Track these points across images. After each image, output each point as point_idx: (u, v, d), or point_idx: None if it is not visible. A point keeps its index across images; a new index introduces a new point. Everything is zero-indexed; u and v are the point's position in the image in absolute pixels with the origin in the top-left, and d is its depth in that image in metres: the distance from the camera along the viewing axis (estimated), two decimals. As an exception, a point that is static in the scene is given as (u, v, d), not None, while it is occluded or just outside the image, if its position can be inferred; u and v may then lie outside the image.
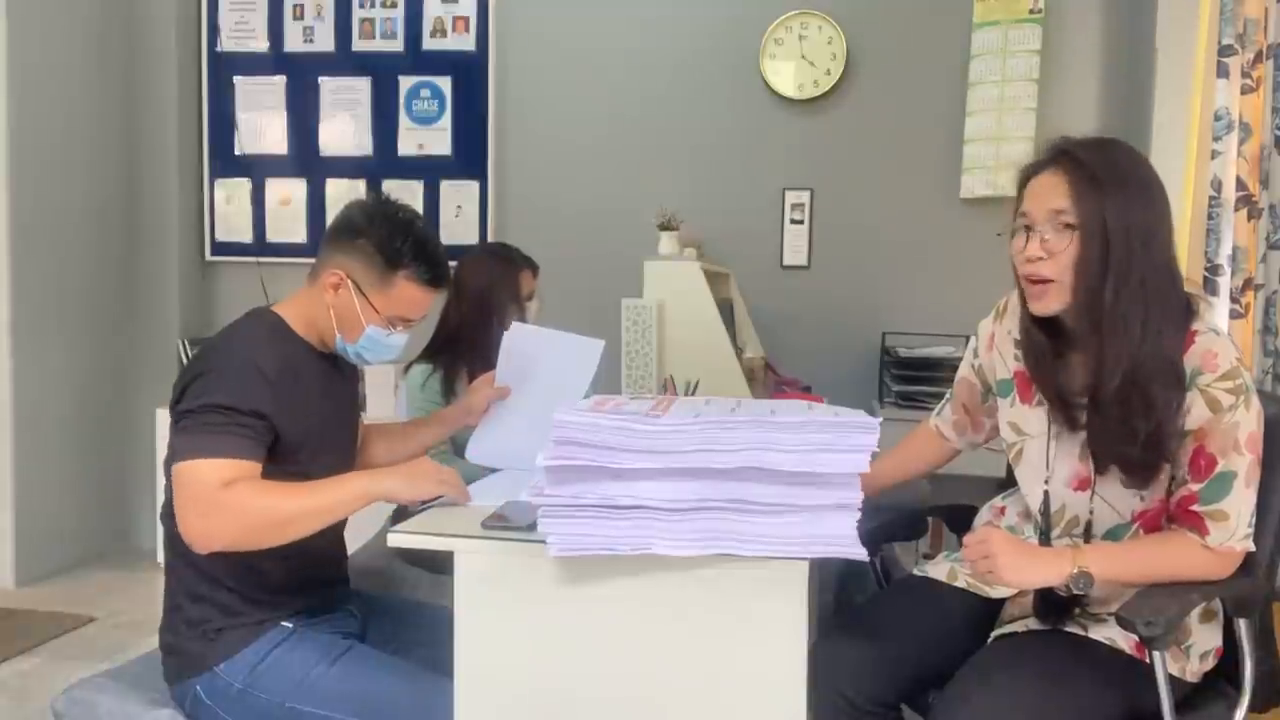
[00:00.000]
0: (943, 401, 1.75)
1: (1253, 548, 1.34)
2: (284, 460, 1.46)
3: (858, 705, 1.44)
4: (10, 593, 3.37)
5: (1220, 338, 1.34)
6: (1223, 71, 2.70)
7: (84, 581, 3.51)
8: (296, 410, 1.48)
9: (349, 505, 1.43)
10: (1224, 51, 2.70)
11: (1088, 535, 1.43)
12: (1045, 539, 1.47)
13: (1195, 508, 1.33)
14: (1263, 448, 1.34)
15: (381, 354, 1.59)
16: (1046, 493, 1.46)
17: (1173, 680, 1.34)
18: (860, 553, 1.18)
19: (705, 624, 1.24)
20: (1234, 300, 2.67)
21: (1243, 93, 2.68)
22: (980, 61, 3.33)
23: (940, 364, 3.21)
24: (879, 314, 3.53)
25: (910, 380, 3.21)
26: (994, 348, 1.59)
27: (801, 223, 3.61)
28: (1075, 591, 1.31)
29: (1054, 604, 1.40)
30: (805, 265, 3.63)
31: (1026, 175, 1.40)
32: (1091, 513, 1.42)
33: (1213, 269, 2.72)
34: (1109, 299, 1.30)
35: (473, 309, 2.32)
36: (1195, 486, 1.33)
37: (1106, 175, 1.32)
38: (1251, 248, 2.64)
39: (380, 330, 1.55)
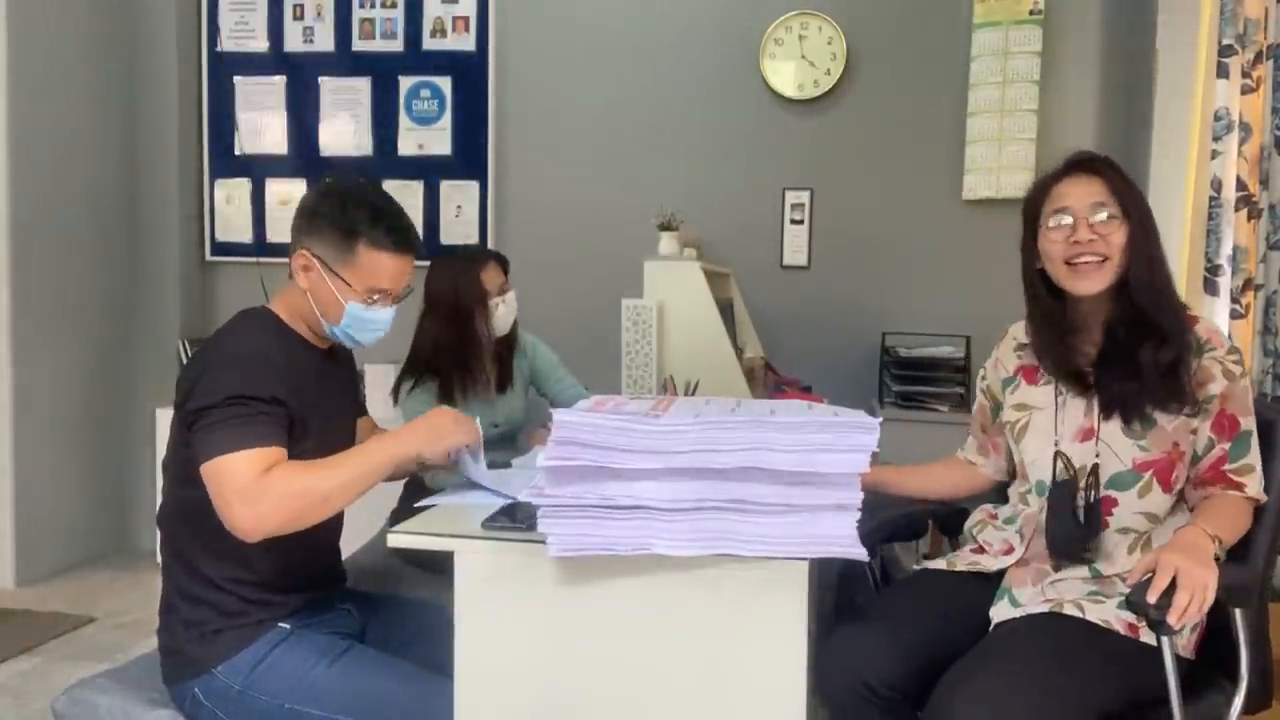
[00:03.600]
0: (969, 438, 1.85)
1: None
2: (292, 448, 1.46)
3: (878, 692, 1.44)
4: (10, 593, 3.37)
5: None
6: (1223, 71, 2.69)
7: (84, 581, 3.51)
8: (300, 399, 1.49)
9: (381, 470, 1.45)
10: (1224, 52, 2.70)
11: (1095, 479, 1.52)
12: (1068, 489, 1.53)
13: (1227, 467, 1.49)
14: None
15: (369, 330, 1.57)
16: (1059, 452, 1.57)
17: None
18: (860, 553, 1.19)
19: (705, 624, 1.24)
20: (1234, 300, 2.66)
21: (1243, 93, 2.68)
22: (981, 63, 3.33)
23: (940, 364, 3.21)
24: (879, 314, 3.52)
25: (910, 380, 3.21)
26: (998, 364, 1.76)
27: (801, 223, 3.61)
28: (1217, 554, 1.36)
29: (1067, 537, 1.51)
30: (805, 265, 3.62)
31: (1049, 182, 1.59)
32: (1098, 456, 1.53)
33: (1213, 269, 2.72)
34: (1159, 279, 1.51)
35: (445, 319, 2.27)
36: (1225, 445, 1.50)
37: (1131, 182, 1.55)
38: (1251, 248, 2.64)
39: (360, 306, 1.54)
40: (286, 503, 1.35)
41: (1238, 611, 1.39)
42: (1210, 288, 2.72)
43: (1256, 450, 1.50)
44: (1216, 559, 1.35)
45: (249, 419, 1.38)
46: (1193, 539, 1.36)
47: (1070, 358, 1.59)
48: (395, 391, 2.31)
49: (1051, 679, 1.33)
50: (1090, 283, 1.52)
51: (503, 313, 2.30)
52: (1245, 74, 2.67)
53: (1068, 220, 1.53)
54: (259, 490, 1.34)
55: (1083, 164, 1.58)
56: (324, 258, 1.52)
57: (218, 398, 1.38)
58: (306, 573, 1.56)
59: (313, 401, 1.52)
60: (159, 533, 1.55)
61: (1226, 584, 1.37)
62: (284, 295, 1.59)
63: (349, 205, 1.52)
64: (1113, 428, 1.53)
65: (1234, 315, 2.66)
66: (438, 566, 1.55)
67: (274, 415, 1.41)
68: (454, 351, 2.26)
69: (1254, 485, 1.49)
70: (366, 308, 1.54)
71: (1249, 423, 1.50)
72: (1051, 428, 1.59)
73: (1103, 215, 1.51)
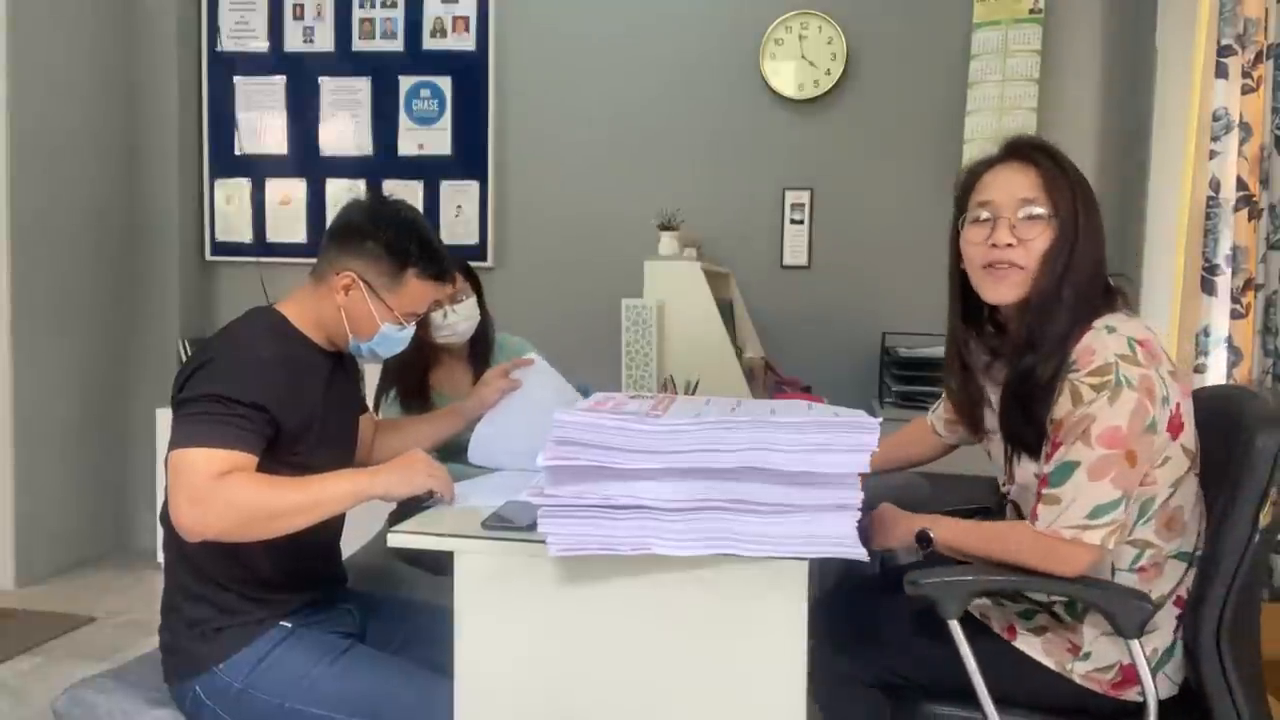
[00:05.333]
0: (940, 398, 1.79)
1: (1093, 542, 1.29)
2: (285, 452, 1.46)
3: (869, 691, 1.46)
4: (10, 593, 3.37)
5: (1109, 335, 1.32)
6: (1222, 71, 2.69)
7: (84, 581, 3.51)
8: (299, 404, 1.49)
9: (342, 502, 1.44)
10: (1224, 51, 2.70)
11: (1019, 516, 1.48)
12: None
13: (1043, 491, 1.34)
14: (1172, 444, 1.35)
15: (393, 348, 1.64)
16: (1003, 490, 1.54)
17: (1053, 675, 1.39)
18: (860, 553, 1.19)
19: (705, 624, 1.24)
20: (1234, 300, 2.66)
21: (1242, 93, 2.67)
22: (980, 61, 3.33)
23: (940, 364, 3.20)
24: (879, 314, 3.52)
25: (910, 380, 3.20)
26: None
27: (801, 223, 3.61)
28: (922, 549, 1.43)
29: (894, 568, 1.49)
30: (805, 265, 3.62)
31: (980, 169, 1.47)
32: (1008, 491, 1.50)
33: (1212, 269, 2.71)
34: (1066, 289, 1.35)
35: None
36: (1047, 469, 1.34)
37: (1071, 171, 1.40)
38: (1251, 248, 2.64)
39: (393, 326, 1.59)
40: (232, 511, 1.34)
41: (1133, 643, 1.31)
42: (1209, 288, 2.72)
43: (1082, 486, 1.29)
44: (926, 545, 1.41)
45: (222, 419, 1.37)
46: (902, 516, 1.47)
47: (967, 387, 1.52)
48: (376, 405, 2.30)
49: (879, 628, 1.47)
50: (1001, 290, 1.40)
51: (452, 321, 2.22)
52: (1245, 74, 2.67)
53: (986, 216, 1.41)
54: (208, 491, 1.33)
55: (1018, 151, 1.44)
56: (369, 281, 1.56)
57: (199, 393, 1.39)
58: (308, 572, 1.57)
59: (314, 405, 1.53)
60: (161, 531, 1.55)
61: (1105, 608, 1.32)
62: (300, 301, 1.60)
63: (402, 235, 1.56)
64: (1026, 470, 1.42)
65: (1234, 315, 2.66)
66: (438, 566, 1.54)
67: (252, 420, 1.39)
68: (404, 360, 2.24)
69: (1045, 516, 1.31)
70: (399, 328, 1.60)
71: (1075, 453, 1.29)
72: (1002, 456, 1.50)
73: (1027, 213, 1.38)
